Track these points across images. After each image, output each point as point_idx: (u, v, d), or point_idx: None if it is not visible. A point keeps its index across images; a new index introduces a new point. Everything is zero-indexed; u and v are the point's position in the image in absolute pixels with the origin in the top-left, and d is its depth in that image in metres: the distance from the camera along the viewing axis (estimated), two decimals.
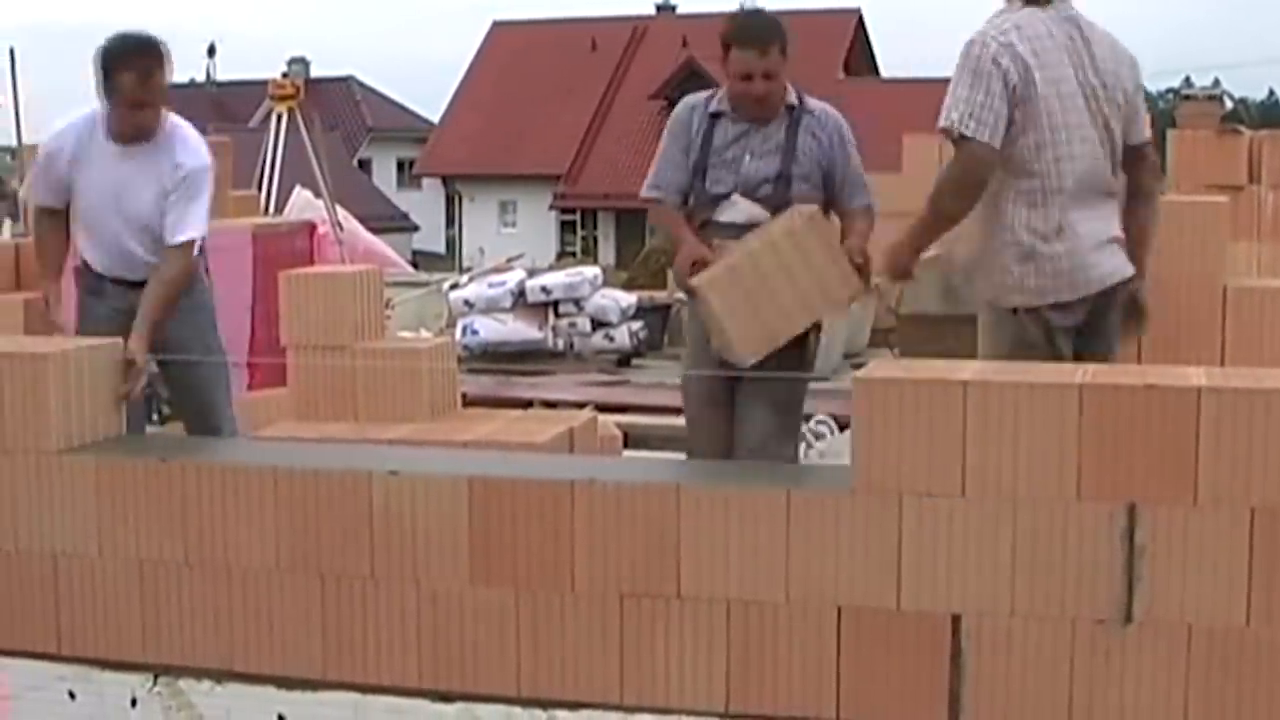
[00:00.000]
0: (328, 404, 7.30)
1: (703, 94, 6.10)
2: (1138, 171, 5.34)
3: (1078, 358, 4.98)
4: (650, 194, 6.01)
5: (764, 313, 5.72)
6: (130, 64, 5.86)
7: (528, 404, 9.82)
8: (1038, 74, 5.01)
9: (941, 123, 5.04)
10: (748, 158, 5.85)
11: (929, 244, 5.35)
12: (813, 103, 5.98)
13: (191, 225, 5.96)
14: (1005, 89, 4.99)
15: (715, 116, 5.92)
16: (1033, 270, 5.13)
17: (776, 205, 5.82)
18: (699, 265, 5.70)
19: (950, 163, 5.15)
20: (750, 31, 5.87)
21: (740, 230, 5.79)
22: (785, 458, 5.85)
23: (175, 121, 6.09)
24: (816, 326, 5.97)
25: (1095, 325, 5.21)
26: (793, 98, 5.93)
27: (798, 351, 5.83)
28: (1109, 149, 5.19)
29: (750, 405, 5.87)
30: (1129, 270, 5.25)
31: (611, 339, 12.80)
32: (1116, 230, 5.23)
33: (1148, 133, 5.44)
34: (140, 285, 5.96)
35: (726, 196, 5.84)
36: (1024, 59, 5.01)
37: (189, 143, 6.09)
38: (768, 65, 5.79)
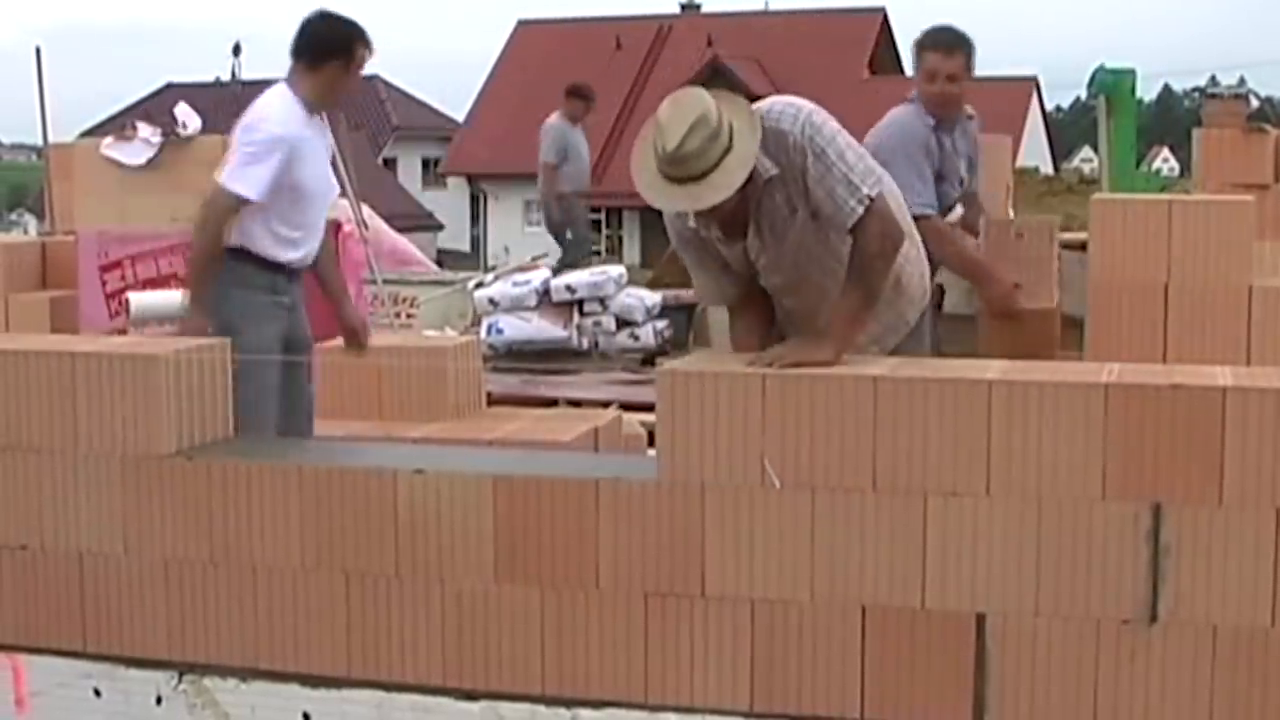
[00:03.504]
0: (353, 403, 7.31)
1: (911, 107, 6.92)
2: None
3: None
4: (927, 211, 6.37)
5: None
6: (365, 39, 6.29)
7: (552, 403, 9.80)
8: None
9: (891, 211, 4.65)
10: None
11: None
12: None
13: None
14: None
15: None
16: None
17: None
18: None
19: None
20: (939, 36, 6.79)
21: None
22: None
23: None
24: None
25: None
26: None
27: None
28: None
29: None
30: None
31: (636, 338, 12.77)
32: None
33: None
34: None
35: (952, 208, 6.67)
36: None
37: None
38: (953, 68, 6.72)
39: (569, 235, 14.72)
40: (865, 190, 4.45)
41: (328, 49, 6.25)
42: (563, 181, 14.53)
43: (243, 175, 6.12)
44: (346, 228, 8.27)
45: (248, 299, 6.09)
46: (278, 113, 6.24)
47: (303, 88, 6.25)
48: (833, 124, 4.61)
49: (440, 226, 51.23)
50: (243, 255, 6.14)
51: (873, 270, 4.46)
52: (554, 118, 14.85)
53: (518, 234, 48.11)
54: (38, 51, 13.64)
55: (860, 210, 4.43)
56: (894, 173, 5.13)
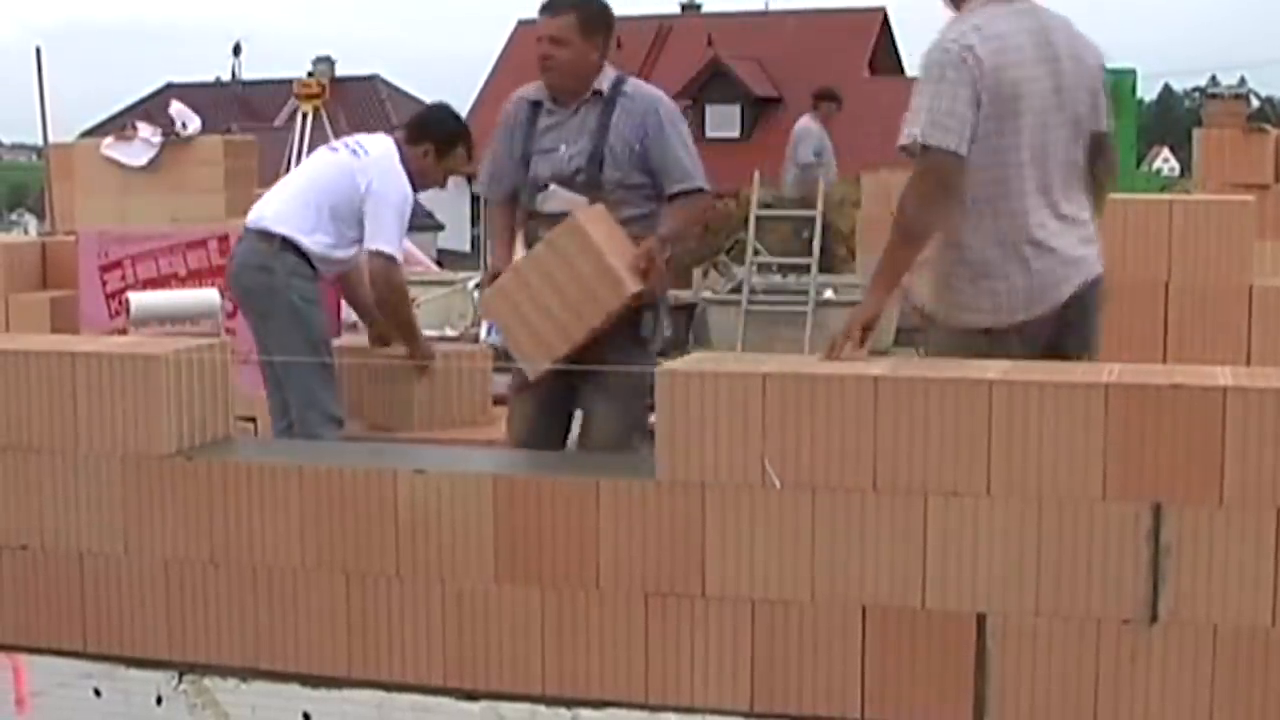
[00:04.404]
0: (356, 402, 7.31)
1: (531, 85, 6.05)
2: (1093, 161, 5.09)
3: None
4: (480, 190, 6.17)
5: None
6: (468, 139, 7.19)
7: None
8: (1000, 74, 4.71)
9: (901, 140, 4.68)
10: (563, 146, 5.81)
11: (901, 273, 4.75)
12: (634, 85, 5.91)
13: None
14: (971, 94, 4.67)
15: (536, 105, 5.93)
16: (987, 289, 4.79)
17: (592, 191, 5.77)
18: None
19: (912, 176, 4.71)
20: None
21: (561, 219, 5.73)
22: (636, 448, 5.69)
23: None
24: (651, 306, 5.86)
25: (1065, 336, 4.84)
26: (607, 82, 5.85)
27: (632, 332, 5.80)
28: (1081, 143, 4.94)
29: (594, 402, 5.86)
30: (1098, 269, 4.99)
31: None
32: (1088, 230, 5.00)
33: (1109, 123, 5.20)
34: None
35: (546, 187, 5.84)
36: (985, 61, 4.69)
37: None
38: (555, 29, 5.80)
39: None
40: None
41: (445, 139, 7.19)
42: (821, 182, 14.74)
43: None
44: None
45: (307, 287, 6.82)
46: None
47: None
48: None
49: (440, 226, 51.17)
50: (296, 249, 6.83)
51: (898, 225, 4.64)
52: (806, 119, 15.26)
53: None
54: (38, 51, 13.65)
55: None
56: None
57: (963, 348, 4.64)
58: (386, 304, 6.98)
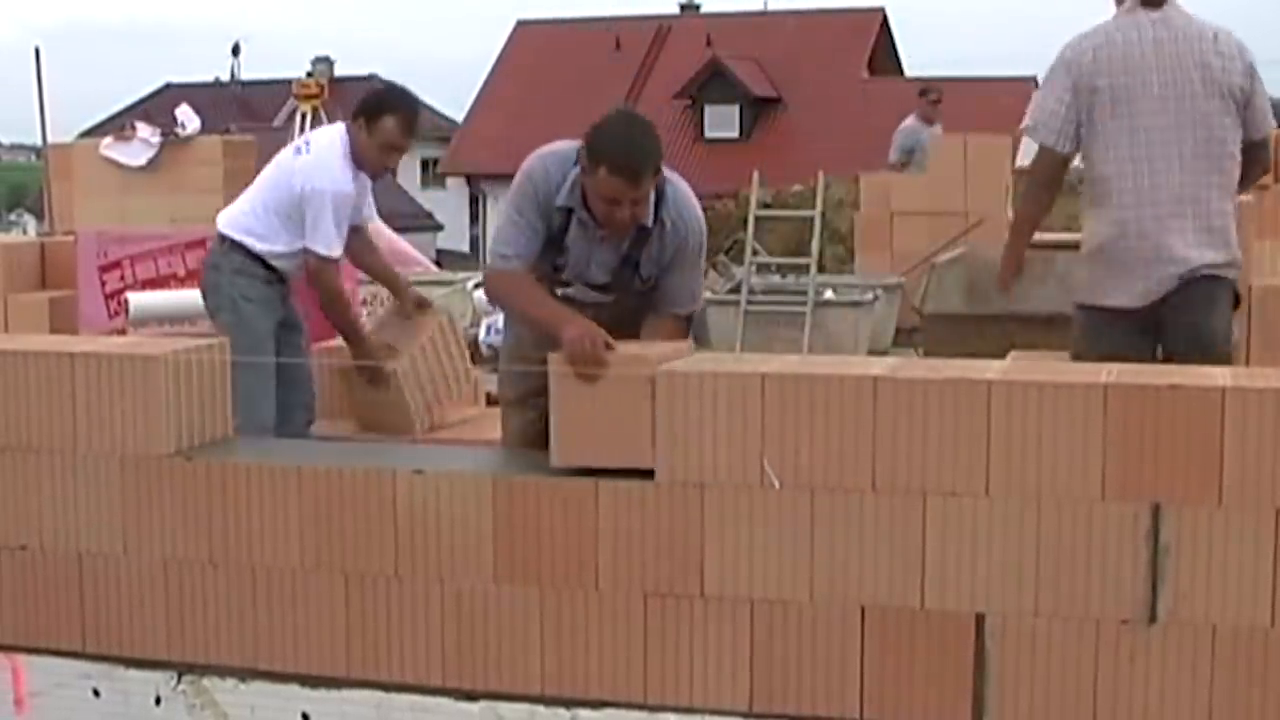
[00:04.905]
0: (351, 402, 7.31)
1: (557, 167, 5.30)
2: (1245, 166, 5.47)
3: (1168, 359, 5.03)
4: (504, 264, 5.34)
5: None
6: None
7: None
8: (1111, 79, 5.21)
9: (1024, 122, 5.47)
10: (593, 266, 5.40)
11: (1023, 246, 5.78)
12: (674, 212, 5.33)
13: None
14: (1074, 94, 5.24)
15: (567, 211, 5.30)
16: (1102, 269, 5.38)
17: (611, 295, 5.43)
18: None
19: (1034, 163, 5.54)
20: (626, 160, 5.05)
21: (580, 304, 5.34)
22: None
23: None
24: None
25: (1170, 324, 5.35)
26: (649, 214, 5.26)
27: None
28: (1207, 147, 5.30)
29: None
30: (1202, 266, 5.31)
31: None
32: (1195, 228, 5.29)
33: (1267, 127, 5.53)
34: None
35: (566, 284, 5.44)
36: (1094, 65, 5.21)
37: None
38: (638, 194, 5.11)
39: None
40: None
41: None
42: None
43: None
44: None
45: (250, 285, 6.83)
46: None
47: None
48: None
49: (439, 226, 51.20)
50: (244, 249, 6.88)
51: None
52: (910, 120, 15.37)
53: None
54: (37, 51, 13.64)
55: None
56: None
57: (1082, 321, 5.49)
58: (323, 305, 7.03)
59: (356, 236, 7.15)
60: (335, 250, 6.86)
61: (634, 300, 5.43)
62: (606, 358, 4.38)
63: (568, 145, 5.31)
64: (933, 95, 15.99)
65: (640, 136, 5.15)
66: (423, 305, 7.45)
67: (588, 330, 4.55)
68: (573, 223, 5.30)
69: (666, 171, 5.31)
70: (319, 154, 6.91)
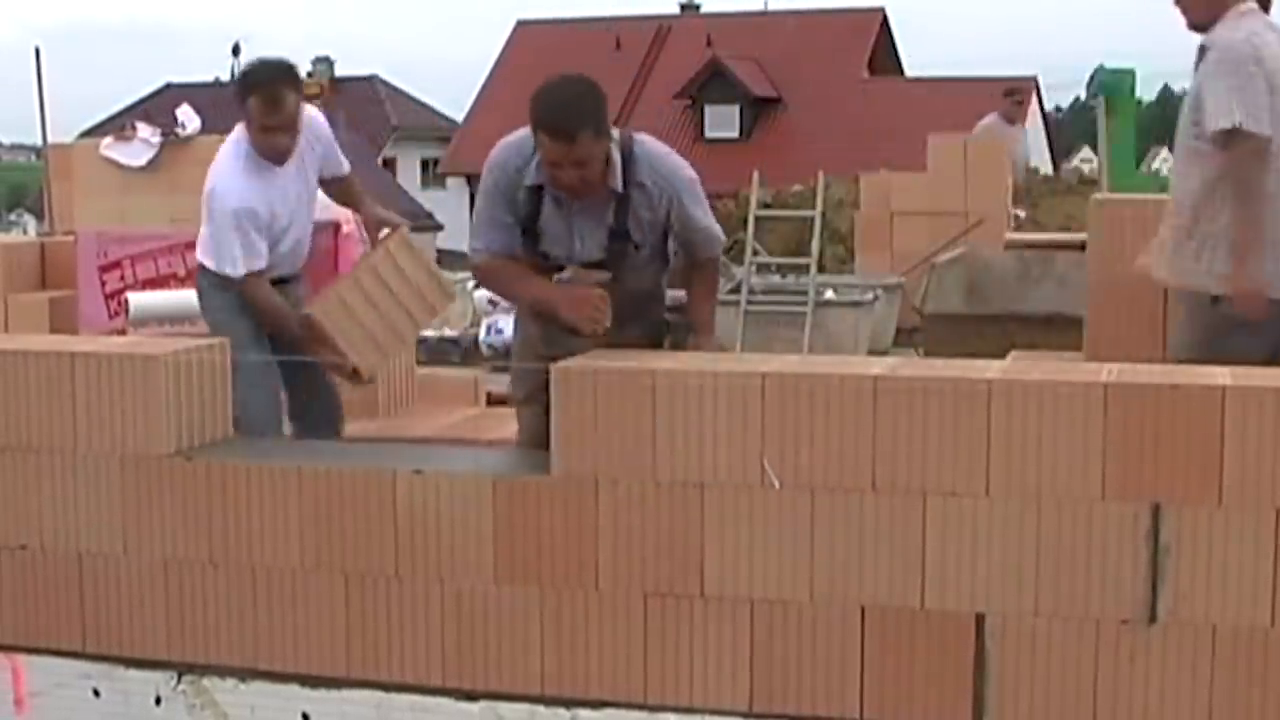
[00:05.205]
0: (351, 402, 7.30)
1: (515, 152, 5.27)
2: None
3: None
4: (477, 257, 5.37)
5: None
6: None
7: None
8: (1274, 79, 5.42)
9: (1221, 124, 5.39)
10: (578, 243, 5.30)
11: (1256, 253, 5.47)
12: (648, 171, 5.25)
13: None
14: (1267, 86, 5.41)
15: (537, 189, 5.24)
16: (1273, 262, 5.41)
17: (611, 270, 5.33)
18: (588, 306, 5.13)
19: (1235, 163, 5.43)
20: (557, 120, 5.00)
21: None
22: None
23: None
24: (667, 324, 5.57)
25: None
26: (618, 174, 5.20)
27: (646, 344, 5.31)
28: None
29: None
30: None
31: None
32: None
33: None
34: None
35: (560, 268, 5.33)
36: (1268, 62, 5.42)
37: None
38: (577, 154, 5.02)
39: None
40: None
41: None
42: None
43: None
44: (346, 228, 8.27)
45: (221, 305, 6.38)
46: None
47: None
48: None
49: (439, 227, 51.16)
50: (203, 268, 6.44)
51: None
52: (990, 118, 15.40)
53: None
54: (37, 52, 13.62)
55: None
56: None
57: (1208, 315, 5.48)
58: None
59: (338, 185, 6.80)
60: (233, 268, 6.27)
61: (633, 280, 5.32)
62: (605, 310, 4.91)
63: (529, 128, 5.21)
64: (1018, 96, 16.11)
65: (574, 98, 5.09)
66: (388, 225, 6.74)
67: (581, 295, 5.03)
68: (545, 200, 5.25)
69: (636, 134, 5.33)
70: (216, 160, 6.44)
